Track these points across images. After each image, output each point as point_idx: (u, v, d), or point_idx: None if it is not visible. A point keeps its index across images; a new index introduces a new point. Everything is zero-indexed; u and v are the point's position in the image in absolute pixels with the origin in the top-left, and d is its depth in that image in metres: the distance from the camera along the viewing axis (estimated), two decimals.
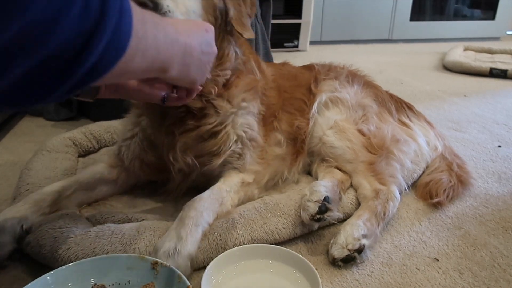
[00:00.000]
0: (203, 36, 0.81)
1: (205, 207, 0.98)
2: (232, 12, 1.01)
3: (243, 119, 1.12)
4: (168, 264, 0.81)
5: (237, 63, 1.10)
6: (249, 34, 1.04)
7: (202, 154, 1.10)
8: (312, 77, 1.37)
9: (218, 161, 1.10)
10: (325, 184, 1.10)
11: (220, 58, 1.05)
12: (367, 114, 1.27)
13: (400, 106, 1.44)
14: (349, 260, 0.94)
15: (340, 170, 1.23)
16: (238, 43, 1.11)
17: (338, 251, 0.95)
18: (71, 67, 0.47)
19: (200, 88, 0.92)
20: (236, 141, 1.11)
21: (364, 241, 0.97)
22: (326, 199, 1.03)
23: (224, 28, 1.04)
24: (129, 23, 0.53)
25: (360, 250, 0.95)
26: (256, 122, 1.15)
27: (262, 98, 1.19)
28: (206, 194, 1.02)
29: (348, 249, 0.94)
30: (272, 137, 1.22)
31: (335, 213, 1.04)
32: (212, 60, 0.86)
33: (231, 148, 1.10)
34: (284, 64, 1.45)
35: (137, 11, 0.55)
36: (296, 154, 1.27)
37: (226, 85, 1.09)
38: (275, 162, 1.21)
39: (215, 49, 0.85)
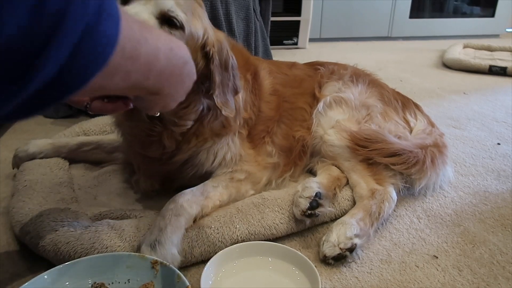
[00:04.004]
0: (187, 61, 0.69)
1: (185, 199, 0.98)
2: (216, 87, 0.95)
3: (212, 155, 1.10)
4: (167, 263, 0.81)
5: (201, 114, 1.03)
6: (229, 111, 0.98)
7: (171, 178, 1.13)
8: (317, 82, 1.34)
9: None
10: (317, 181, 1.10)
11: (185, 108, 1.00)
12: (371, 113, 1.26)
13: (408, 104, 1.41)
14: (340, 258, 0.95)
15: (338, 167, 1.23)
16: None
17: (329, 249, 0.95)
18: (23, 75, 0.37)
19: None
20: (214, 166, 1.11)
21: (356, 241, 0.97)
22: (317, 195, 1.04)
23: (201, 88, 0.98)
24: (113, 29, 0.43)
25: (351, 249, 0.95)
26: (234, 143, 1.12)
27: (248, 121, 1.15)
28: (189, 189, 1.03)
29: (340, 248, 0.95)
30: (263, 149, 1.20)
31: (326, 209, 1.05)
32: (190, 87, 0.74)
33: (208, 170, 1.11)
34: (292, 65, 1.39)
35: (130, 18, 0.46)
36: (290, 166, 1.25)
37: (187, 133, 1.04)
38: (269, 168, 1.20)
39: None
